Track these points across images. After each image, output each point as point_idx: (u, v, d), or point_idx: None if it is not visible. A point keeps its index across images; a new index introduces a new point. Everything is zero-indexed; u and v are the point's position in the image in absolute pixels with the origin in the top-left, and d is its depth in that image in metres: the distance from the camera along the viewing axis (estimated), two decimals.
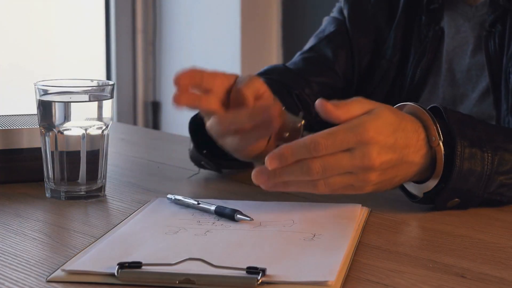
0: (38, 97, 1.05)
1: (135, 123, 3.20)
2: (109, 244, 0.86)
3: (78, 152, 1.05)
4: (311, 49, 1.34)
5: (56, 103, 1.04)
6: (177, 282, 0.75)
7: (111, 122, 1.06)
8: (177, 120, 3.01)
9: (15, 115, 1.22)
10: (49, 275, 0.78)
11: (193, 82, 0.99)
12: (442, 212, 1.00)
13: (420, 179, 1.00)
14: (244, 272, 0.76)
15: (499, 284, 0.78)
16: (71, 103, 1.05)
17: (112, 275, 0.77)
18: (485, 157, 0.98)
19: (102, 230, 0.92)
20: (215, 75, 1.01)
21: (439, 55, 1.27)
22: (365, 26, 1.32)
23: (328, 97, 1.27)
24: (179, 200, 1.00)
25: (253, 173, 0.93)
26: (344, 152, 0.92)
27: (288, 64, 1.34)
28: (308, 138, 0.92)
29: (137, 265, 0.77)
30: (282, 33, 2.98)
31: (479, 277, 0.79)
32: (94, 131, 1.05)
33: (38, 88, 1.05)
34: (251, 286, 0.75)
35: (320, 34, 1.35)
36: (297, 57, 1.35)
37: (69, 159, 1.04)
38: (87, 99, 1.06)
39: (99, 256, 0.82)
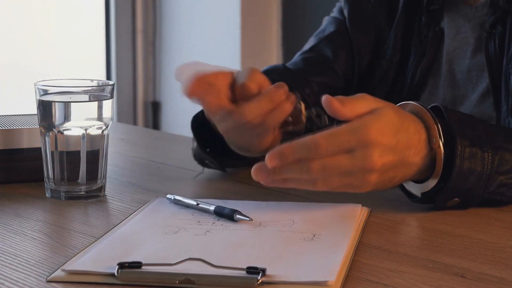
0: (38, 97, 1.05)
1: (135, 123, 3.20)
2: (109, 244, 0.86)
3: (78, 152, 1.05)
4: (311, 49, 1.34)
5: (56, 103, 1.04)
6: (177, 282, 0.75)
7: (111, 122, 1.06)
8: (177, 120, 3.01)
9: (15, 115, 1.22)
10: (49, 275, 0.78)
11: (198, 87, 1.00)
12: (442, 212, 1.00)
13: (419, 179, 1.00)
14: (244, 272, 0.76)
15: (499, 284, 0.78)
16: (71, 103, 1.05)
17: (112, 275, 0.77)
18: (485, 157, 0.98)
19: (102, 230, 0.92)
20: (216, 75, 1.01)
21: (439, 56, 1.27)
22: (365, 26, 1.32)
23: None
24: (178, 200, 1.00)
25: (253, 169, 0.94)
26: (344, 153, 0.92)
27: (288, 64, 1.34)
28: (309, 138, 0.92)
29: (137, 265, 0.77)
30: (282, 33, 2.98)
31: (479, 277, 0.79)
32: (94, 131, 1.05)
33: (38, 88, 1.05)
34: (251, 286, 0.75)
35: (320, 34, 1.35)
36: (297, 57, 1.35)
37: (69, 159, 1.04)
38: (87, 99, 1.06)
39: (99, 256, 0.82)
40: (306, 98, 1.27)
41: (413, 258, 0.84)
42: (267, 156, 0.92)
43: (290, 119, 1.02)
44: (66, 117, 1.04)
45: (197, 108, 1.07)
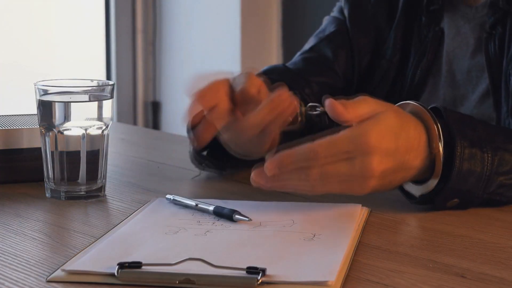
0: (38, 97, 1.05)
1: (135, 123, 3.20)
2: (109, 244, 0.86)
3: (78, 152, 1.05)
4: (311, 49, 1.34)
5: (56, 103, 1.04)
6: (177, 282, 0.75)
7: (111, 122, 1.06)
8: (177, 120, 3.00)
9: (15, 115, 1.22)
10: (49, 275, 0.78)
11: (198, 111, 1.02)
12: (442, 212, 1.00)
13: (419, 179, 1.00)
14: (244, 272, 0.76)
15: (499, 284, 0.78)
16: (71, 103, 1.05)
17: (112, 275, 0.77)
18: (485, 158, 0.98)
19: (102, 230, 0.92)
20: (215, 88, 1.02)
21: (439, 56, 1.27)
22: (365, 26, 1.32)
23: None
24: (177, 201, 1.00)
25: (252, 175, 0.94)
26: (343, 161, 0.92)
27: (288, 64, 1.34)
28: (308, 147, 0.91)
29: (137, 265, 0.77)
30: (282, 33, 2.98)
31: (479, 277, 0.79)
32: (94, 131, 1.05)
33: (38, 88, 1.05)
34: (251, 286, 0.75)
35: (321, 34, 1.35)
36: (297, 57, 1.35)
37: (69, 159, 1.04)
38: (87, 99, 1.06)
39: (99, 256, 0.82)
40: (306, 98, 1.27)
41: (413, 258, 0.84)
42: (266, 164, 0.92)
43: (289, 119, 1.02)
44: (66, 117, 1.04)
45: None
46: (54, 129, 1.04)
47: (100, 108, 1.05)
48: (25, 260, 0.83)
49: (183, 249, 0.84)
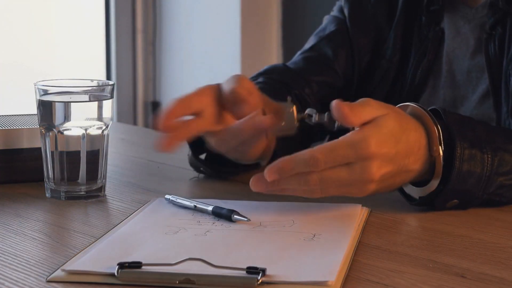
0: (38, 97, 1.05)
1: (135, 123, 3.20)
2: (109, 244, 0.86)
3: (78, 152, 1.05)
4: (311, 48, 1.34)
5: (56, 103, 1.04)
6: (177, 282, 0.75)
7: (111, 122, 1.06)
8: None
9: (15, 115, 1.22)
10: (49, 275, 0.78)
11: (178, 115, 1.01)
12: (442, 212, 0.99)
13: (418, 181, 1.00)
14: (244, 272, 0.76)
15: (499, 284, 0.78)
16: (71, 103, 1.05)
17: (112, 275, 0.77)
18: (484, 158, 0.98)
19: (102, 230, 0.92)
20: (201, 93, 1.02)
21: (440, 56, 1.27)
22: (365, 25, 1.32)
23: (328, 96, 1.28)
24: (176, 202, 1.00)
25: (251, 181, 0.94)
26: (343, 166, 0.92)
27: (289, 63, 1.34)
28: (308, 153, 0.91)
29: (137, 265, 0.77)
30: (282, 33, 2.98)
31: (479, 277, 0.79)
32: (94, 131, 1.05)
33: (38, 88, 1.05)
34: (251, 286, 0.75)
35: (321, 33, 1.35)
36: (297, 56, 1.35)
37: (69, 159, 1.04)
38: (87, 99, 1.06)
39: (99, 256, 0.82)
40: (306, 97, 1.27)
41: (413, 258, 0.84)
42: (266, 170, 0.92)
43: (283, 123, 1.02)
44: (66, 117, 1.04)
45: None
46: (54, 129, 1.04)
47: (100, 108, 1.05)
48: (25, 260, 0.83)
49: (183, 249, 0.84)
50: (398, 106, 1.00)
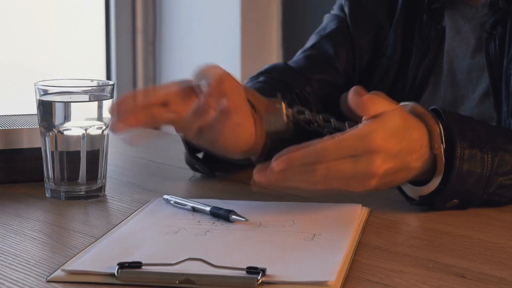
0: (38, 97, 1.05)
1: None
2: (109, 244, 0.86)
3: (78, 152, 1.05)
4: (312, 47, 1.34)
5: (56, 103, 1.04)
6: (177, 282, 0.75)
7: (111, 122, 1.06)
8: None
9: (15, 115, 1.22)
10: (49, 275, 0.78)
11: (134, 105, 1.00)
12: (442, 212, 0.99)
13: (419, 180, 1.00)
14: (244, 272, 0.76)
15: (499, 284, 0.78)
16: (71, 103, 1.05)
17: (112, 275, 0.77)
18: (485, 158, 0.98)
19: (102, 230, 0.92)
20: (169, 85, 1.03)
21: (441, 55, 1.27)
22: (365, 23, 1.32)
23: (328, 94, 1.28)
24: (174, 203, 0.99)
25: (255, 172, 0.94)
26: (348, 158, 0.92)
27: (290, 62, 1.34)
28: (318, 144, 0.92)
29: (137, 265, 0.77)
30: (282, 33, 2.98)
31: (479, 277, 0.79)
32: (94, 131, 1.05)
33: (38, 88, 1.05)
34: (251, 286, 0.75)
35: (322, 32, 1.35)
36: (298, 55, 1.35)
37: (69, 159, 1.04)
38: (87, 99, 1.06)
39: (99, 256, 0.82)
40: (307, 96, 1.27)
41: (413, 258, 0.84)
42: (273, 159, 0.92)
43: (272, 120, 1.03)
44: (66, 117, 1.04)
45: None
46: (54, 129, 1.04)
47: (100, 108, 1.05)
48: (25, 260, 0.83)
49: (183, 249, 0.84)
50: (402, 105, 1.01)
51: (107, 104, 1.05)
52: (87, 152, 1.05)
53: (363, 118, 0.96)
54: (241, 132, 1.03)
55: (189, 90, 1.02)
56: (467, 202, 1.00)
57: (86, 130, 1.04)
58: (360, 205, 0.99)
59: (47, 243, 0.90)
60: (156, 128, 1.04)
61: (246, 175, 1.15)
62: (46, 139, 1.05)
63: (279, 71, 1.31)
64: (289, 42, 2.96)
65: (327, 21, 1.36)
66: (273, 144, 1.07)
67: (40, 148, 1.07)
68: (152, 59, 3.20)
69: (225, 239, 0.87)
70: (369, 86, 1.30)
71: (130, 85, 3.20)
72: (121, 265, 0.77)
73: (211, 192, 1.12)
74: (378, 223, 0.96)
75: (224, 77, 1.01)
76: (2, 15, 3.00)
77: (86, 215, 1.00)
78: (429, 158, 0.98)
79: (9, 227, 0.94)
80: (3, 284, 0.77)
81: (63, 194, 1.05)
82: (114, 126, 0.99)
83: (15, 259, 0.83)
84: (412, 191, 1.01)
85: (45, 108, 1.04)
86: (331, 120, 1.01)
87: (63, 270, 0.78)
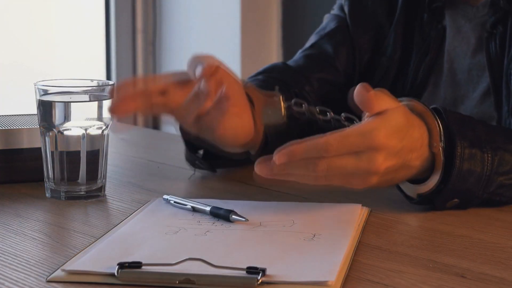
0: (38, 97, 1.05)
1: (135, 123, 3.19)
2: (109, 244, 0.86)
3: (78, 152, 1.05)
4: (311, 46, 1.34)
5: (56, 103, 1.04)
6: (177, 282, 0.75)
7: (111, 122, 1.06)
8: None
9: (15, 115, 1.22)
10: (49, 275, 0.78)
11: (133, 90, 1.00)
12: (442, 212, 1.00)
13: (419, 178, 1.00)
14: (244, 272, 0.76)
15: (499, 284, 0.78)
16: (71, 103, 1.05)
17: (112, 275, 0.77)
18: (485, 158, 0.98)
19: (102, 230, 0.92)
20: (168, 74, 1.02)
21: (441, 55, 1.27)
22: (365, 23, 1.32)
23: (328, 93, 1.28)
24: (174, 203, 0.99)
25: (256, 164, 0.93)
26: (351, 155, 0.92)
27: (289, 62, 1.34)
28: (321, 139, 0.92)
29: (137, 265, 0.77)
30: (282, 33, 2.98)
31: (479, 277, 0.79)
32: (94, 131, 1.05)
33: (38, 88, 1.05)
34: (251, 286, 0.75)
35: (321, 32, 1.35)
36: (298, 54, 1.35)
37: (69, 159, 1.04)
38: (87, 99, 1.06)
39: (99, 256, 0.82)
40: (306, 95, 1.27)
41: (413, 258, 0.84)
42: (275, 152, 0.92)
43: (270, 112, 1.03)
44: (66, 117, 1.04)
45: None
46: (54, 129, 1.04)
47: (100, 108, 1.05)
48: (25, 260, 0.83)
49: (183, 249, 0.84)
50: (400, 100, 1.01)
51: (107, 104, 1.05)
52: (87, 152, 1.05)
53: (366, 114, 0.96)
54: (239, 123, 1.03)
55: (187, 80, 1.02)
56: (467, 202, 1.00)
57: (86, 130, 1.04)
58: (360, 205, 0.99)
59: (47, 243, 0.90)
60: (154, 116, 1.05)
61: (246, 175, 1.15)
62: (46, 139, 1.05)
63: (278, 70, 1.30)
64: (289, 42, 2.96)
65: (327, 21, 1.36)
66: (273, 140, 1.07)
67: (40, 148, 1.07)
68: (152, 59, 3.20)
69: (225, 239, 0.87)
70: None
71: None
72: (121, 265, 0.77)
73: (211, 192, 1.12)
74: (378, 223, 0.96)
75: (219, 66, 1.02)
76: (2, 15, 3.00)
77: (86, 215, 1.00)
78: (428, 156, 0.98)
79: (9, 227, 0.94)
80: (3, 284, 0.77)
81: (63, 194, 1.05)
82: (114, 110, 0.99)
83: (15, 259, 0.83)
84: (410, 190, 1.01)
85: (45, 108, 1.04)
86: (328, 113, 1.01)
87: (63, 270, 0.78)
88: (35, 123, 1.10)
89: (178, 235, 0.89)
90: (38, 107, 1.05)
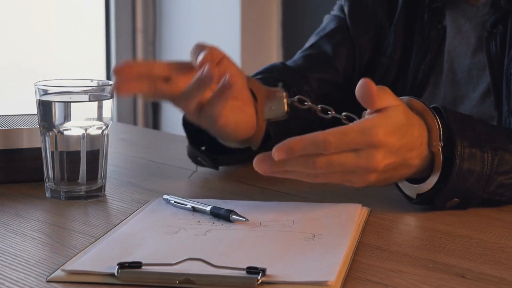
0: (38, 97, 1.05)
1: (135, 123, 3.20)
2: (109, 244, 0.86)
3: (78, 152, 1.05)
4: (311, 46, 1.34)
5: (56, 103, 1.04)
6: (177, 282, 0.75)
7: (111, 122, 1.06)
8: (177, 120, 3.00)
9: (15, 115, 1.22)
10: (49, 275, 0.78)
11: (139, 72, 1.00)
12: (442, 212, 1.00)
13: (418, 177, 1.00)
14: (244, 272, 0.76)
15: (499, 284, 0.78)
16: (71, 103, 1.05)
17: (112, 275, 0.77)
18: (484, 157, 0.98)
19: (102, 230, 0.92)
20: (172, 64, 1.02)
21: (441, 55, 1.27)
22: (365, 23, 1.32)
23: (328, 93, 1.28)
24: (174, 203, 0.99)
25: (255, 160, 0.93)
26: (350, 152, 0.92)
27: (289, 62, 1.34)
28: (320, 135, 0.92)
29: (137, 265, 0.77)
30: (282, 33, 2.98)
31: (479, 277, 0.79)
32: (94, 131, 1.05)
33: (38, 88, 1.05)
34: (251, 286, 0.75)
35: (321, 32, 1.35)
36: (297, 55, 1.35)
37: (69, 159, 1.04)
38: (87, 99, 1.06)
39: (99, 256, 0.82)
40: (305, 95, 1.27)
41: (413, 258, 0.84)
42: (274, 149, 0.92)
43: (273, 107, 1.03)
44: (66, 117, 1.04)
45: None
46: (54, 129, 1.04)
47: (100, 108, 1.05)
48: (25, 260, 0.83)
49: (183, 249, 0.84)
50: (401, 99, 1.01)
51: (107, 104, 1.05)
52: (87, 152, 1.05)
53: (367, 112, 0.96)
54: (241, 118, 1.03)
55: (190, 67, 1.02)
56: (467, 201, 1.00)
57: (86, 130, 1.04)
58: (360, 205, 0.99)
59: (47, 243, 0.90)
60: (155, 99, 1.04)
61: (246, 175, 1.15)
62: (46, 139, 1.05)
63: (277, 70, 1.31)
64: (289, 42, 2.96)
65: (327, 22, 1.36)
66: (275, 136, 1.07)
67: (40, 148, 1.07)
68: (152, 59, 3.20)
69: (225, 239, 0.87)
70: None
71: None
72: (121, 265, 0.77)
73: (212, 192, 1.12)
74: (378, 223, 0.96)
75: (224, 57, 1.02)
76: (2, 15, 3.00)
77: (86, 215, 1.00)
78: (428, 155, 0.98)
79: (9, 227, 0.94)
80: (3, 284, 0.77)
81: (63, 194, 1.05)
82: (118, 88, 0.99)
83: (15, 259, 0.83)
84: (410, 189, 1.01)
85: (45, 108, 1.04)
86: (329, 112, 1.01)
87: (63, 270, 0.78)
88: (35, 123, 1.10)
89: (178, 235, 0.89)
90: (38, 107, 1.05)
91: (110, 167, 1.16)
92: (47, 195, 1.06)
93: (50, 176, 1.05)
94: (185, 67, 1.02)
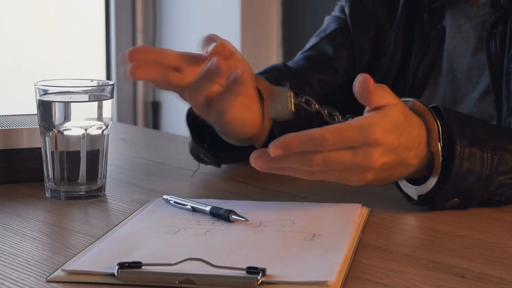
0: (38, 97, 1.05)
1: (135, 123, 3.20)
2: (109, 244, 0.86)
3: (78, 152, 1.05)
4: (312, 47, 1.34)
5: (56, 103, 1.04)
6: (177, 282, 0.75)
7: (111, 122, 1.06)
8: (177, 120, 3.00)
9: (15, 115, 1.22)
10: (49, 275, 0.78)
11: (150, 58, 0.98)
12: (442, 212, 0.99)
13: (417, 177, 1.00)
14: (244, 272, 0.76)
15: (499, 284, 0.78)
16: (71, 103, 1.05)
17: (112, 275, 0.77)
18: (484, 157, 0.98)
19: (102, 230, 0.92)
20: (183, 55, 1.01)
21: (441, 54, 1.27)
22: (366, 23, 1.32)
23: (328, 95, 1.28)
24: (173, 203, 0.99)
25: (252, 155, 0.93)
26: (347, 150, 0.92)
27: (289, 63, 1.34)
28: (317, 132, 0.92)
29: (137, 265, 0.77)
30: (282, 33, 2.98)
31: (479, 277, 0.79)
32: (94, 131, 1.05)
33: (38, 88, 1.05)
34: (251, 286, 0.75)
35: (322, 33, 1.35)
36: (298, 56, 1.35)
37: (69, 159, 1.04)
38: (87, 99, 1.06)
39: (99, 256, 0.82)
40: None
41: (413, 258, 0.84)
42: (270, 145, 0.92)
43: (279, 107, 1.02)
44: (66, 117, 1.04)
45: None
46: (54, 129, 1.04)
47: (100, 108, 1.05)
48: (25, 260, 0.83)
49: (183, 249, 0.84)
50: (403, 101, 1.01)
51: (107, 104, 1.05)
52: (87, 152, 1.05)
53: (365, 109, 0.96)
54: (248, 115, 1.03)
55: (200, 59, 1.01)
56: (467, 201, 1.00)
57: (86, 130, 1.04)
58: (360, 205, 0.99)
59: (47, 243, 0.90)
60: (165, 88, 1.02)
61: (246, 175, 1.15)
62: (46, 139, 1.05)
63: (278, 71, 1.31)
64: (289, 42, 2.96)
65: (328, 23, 1.36)
66: (280, 136, 1.07)
67: (40, 148, 1.07)
68: None
69: (225, 239, 0.87)
70: None
71: (130, 85, 3.20)
72: (121, 265, 0.77)
73: (212, 192, 1.12)
74: (378, 223, 0.96)
75: (234, 52, 1.01)
76: (2, 15, 3.00)
77: (86, 215, 1.00)
78: (426, 155, 0.98)
79: (9, 227, 0.94)
80: (3, 284, 0.77)
81: (63, 194, 1.05)
82: (133, 72, 0.96)
83: (15, 259, 0.83)
84: (412, 191, 1.01)
85: (45, 108, 1.04)
86: (334, 114, 1.01)
87: (63, 270, 0.78)
88: (35, 123, 1.10)
89: (178, 235, 0.89)
90: (38, 107, 1.05)
91: (110, 167, 1.16)
92: (47, 195, 1.06)
93: (50, 176, 1.05)
94: (195, 59, 1.01)
